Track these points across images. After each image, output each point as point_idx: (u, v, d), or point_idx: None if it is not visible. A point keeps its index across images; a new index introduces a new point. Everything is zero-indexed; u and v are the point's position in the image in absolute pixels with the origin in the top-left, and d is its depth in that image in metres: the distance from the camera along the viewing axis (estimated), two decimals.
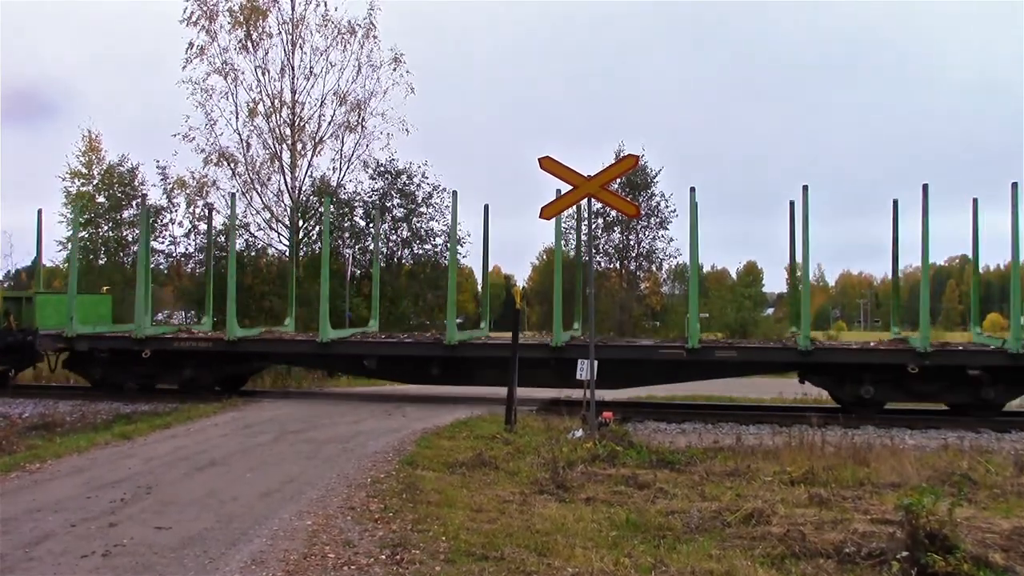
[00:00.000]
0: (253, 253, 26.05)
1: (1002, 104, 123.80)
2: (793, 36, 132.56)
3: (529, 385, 15.67)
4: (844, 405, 14.49)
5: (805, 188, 14.11)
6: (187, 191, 25.67)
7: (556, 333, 14.82)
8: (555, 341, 14.69)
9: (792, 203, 15.84)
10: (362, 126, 25.77)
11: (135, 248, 26.22)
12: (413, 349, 15.91)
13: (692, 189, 14.39)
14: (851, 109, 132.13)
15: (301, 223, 25.47)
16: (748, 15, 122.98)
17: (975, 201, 15.43)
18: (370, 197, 26.02)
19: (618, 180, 25.36)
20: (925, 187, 13.79)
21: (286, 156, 25.61)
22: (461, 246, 26.16)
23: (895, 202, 15.83)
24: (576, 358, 13.75)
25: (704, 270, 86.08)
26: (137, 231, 26.21)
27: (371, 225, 26.04)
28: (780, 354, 14.87)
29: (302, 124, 25.69)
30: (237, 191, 25.40)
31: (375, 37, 25.49)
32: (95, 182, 26.71)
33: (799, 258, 15.22)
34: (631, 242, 30.95)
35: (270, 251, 26.49)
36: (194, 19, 24.71)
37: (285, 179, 25.65)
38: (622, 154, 28.44)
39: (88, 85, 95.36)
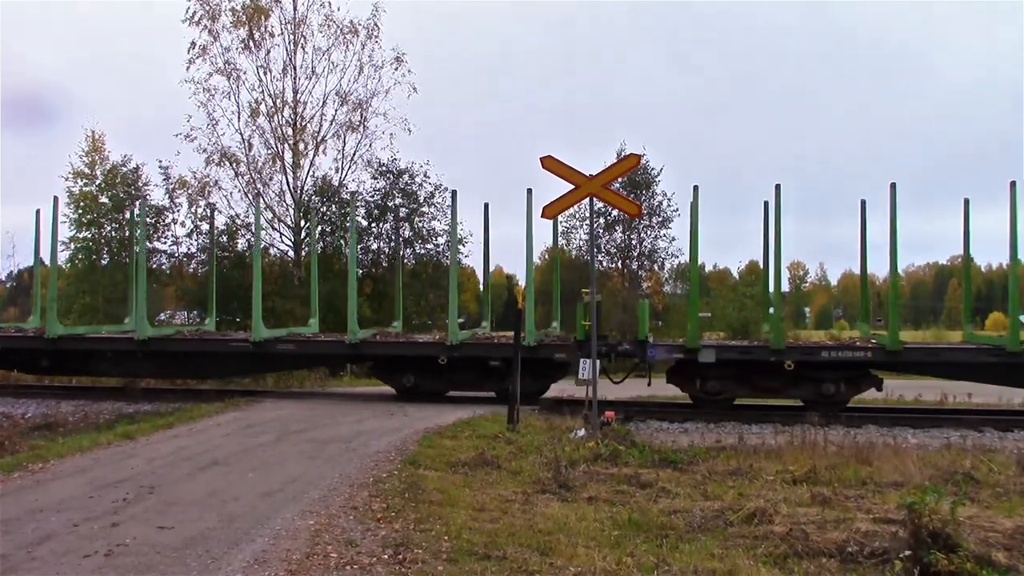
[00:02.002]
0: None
1: (999, 103, 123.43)
2: (796, 35, 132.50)
3: (114, 375, 17.62)
4: (399, 393, 15.83)
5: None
6: (189, 191, 25.71)
7: (140, 326, 16.07)
8: (139, 334, 15.95)
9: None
10: (364, 126, 25.80)
11: (138, 248, 26.26)
12: (20, 343, 16.97)
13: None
14: (852, 109, 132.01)
15: (303, 223, 25.50)
16: (750, 14, 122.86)
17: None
18: (372, 197, 26.05)
19: (620, 179, 25.33)
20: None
21: (288, 156, 25.64)
22: (463, 246, 26.21)
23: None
24: (168, 351, 16.35)
25: (706, 269, 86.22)
26: (140, 232, 26.24)
27: (373, 225, 26.06)
28: (332, 347, 16.16)
29: (304, 124, 25.72)
30: (239, 190, 25.47)
31: (377, 37, 25.52)
32: (98, 182, 26.72)
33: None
34: (633, 241, 30.89)
35: (272, 251, 26.55)
36: (196, 18, 24.76)
37: (287, 179, 25.68)
38: (624, 153, 28.39)
39: (89, 86, 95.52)
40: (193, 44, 24.76)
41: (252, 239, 25.89)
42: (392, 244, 25.66)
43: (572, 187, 11.24)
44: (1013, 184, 13.37)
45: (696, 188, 14.44)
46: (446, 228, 26.32)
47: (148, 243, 26.26)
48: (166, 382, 18.65)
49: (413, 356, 15.67)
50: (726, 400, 14.75)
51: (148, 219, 26.06)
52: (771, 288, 15.90)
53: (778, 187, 14.26)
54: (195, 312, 26.35)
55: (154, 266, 26.25)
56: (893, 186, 13.90)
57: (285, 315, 22.24)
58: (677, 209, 30.55)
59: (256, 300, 15.89)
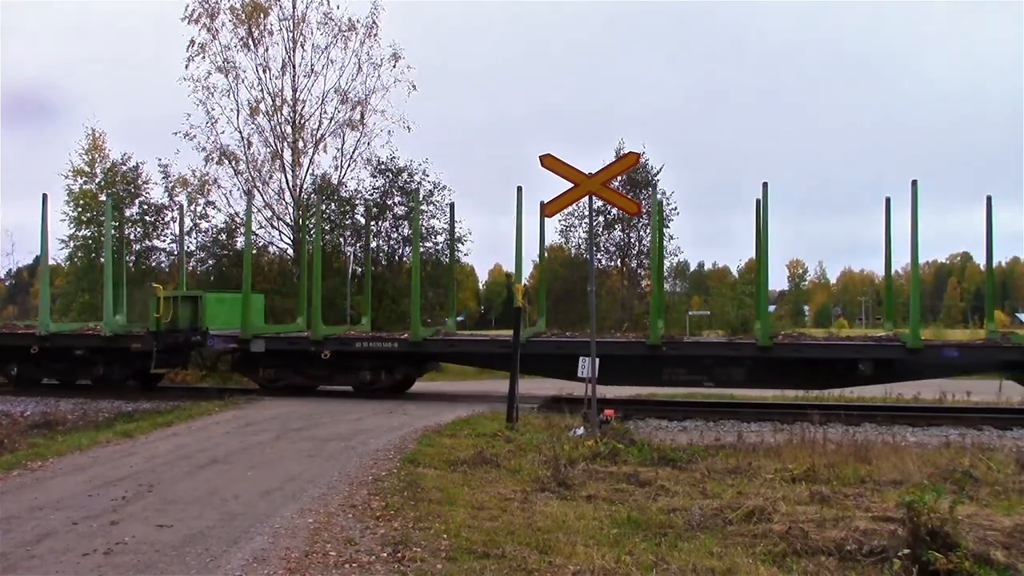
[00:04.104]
0: (255, 251, 26.04)
1: (995, 105, 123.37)
2: (797, 35, 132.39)
3: None
4: (8, 381, 17.42)
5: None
6: (189, 189, 25.68)
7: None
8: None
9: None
10: (363, 123, 25.78)
11: (137, 247, 26.24)
12: None
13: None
14: (852, 108, 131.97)
15: (302, 221, 25.49)
16: (754, 15, 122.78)
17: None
18: (371, 195, 26.03)
19: (619, 178, 25.29)
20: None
21: (287, 154, 25.62)
22: (462, 244, 26.18)
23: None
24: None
25: (705, 267, 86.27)
26: (140, 230, 26.22)
27: (372, 224, 26.01)
28: None
29: (303, 122, 25.70)
30: (239, 189, 25.43)
31: (376, 35, 25.51)
32: (98, 180, 26.69)
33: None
34: (632, 240, 30.92)
35: (271, 249, 26.53)
36: (195, 17, 24.75)
37: (286, 177, 25.66)
38: (623, 152, 28.38)
39: (89, 84, 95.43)
40: (192, 42, 24.77)
41: (251, 238, 25.95)
42: (391, 242, 25.71)
43: (571, 185, 11.22)
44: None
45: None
46: (445, 227, 26.36)
47: (148, 241, 26.35)
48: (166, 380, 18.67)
49: (13, 346, 16.81)
50: (285, 386, 15.55)
51: (148, 217, 26.08)
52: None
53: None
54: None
55: (153, 264, 26.24)
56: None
57: (284, 313, 22.23)
58: (676, 207, 30.69)
59: None
